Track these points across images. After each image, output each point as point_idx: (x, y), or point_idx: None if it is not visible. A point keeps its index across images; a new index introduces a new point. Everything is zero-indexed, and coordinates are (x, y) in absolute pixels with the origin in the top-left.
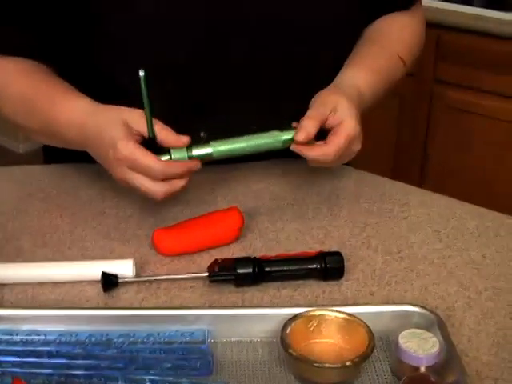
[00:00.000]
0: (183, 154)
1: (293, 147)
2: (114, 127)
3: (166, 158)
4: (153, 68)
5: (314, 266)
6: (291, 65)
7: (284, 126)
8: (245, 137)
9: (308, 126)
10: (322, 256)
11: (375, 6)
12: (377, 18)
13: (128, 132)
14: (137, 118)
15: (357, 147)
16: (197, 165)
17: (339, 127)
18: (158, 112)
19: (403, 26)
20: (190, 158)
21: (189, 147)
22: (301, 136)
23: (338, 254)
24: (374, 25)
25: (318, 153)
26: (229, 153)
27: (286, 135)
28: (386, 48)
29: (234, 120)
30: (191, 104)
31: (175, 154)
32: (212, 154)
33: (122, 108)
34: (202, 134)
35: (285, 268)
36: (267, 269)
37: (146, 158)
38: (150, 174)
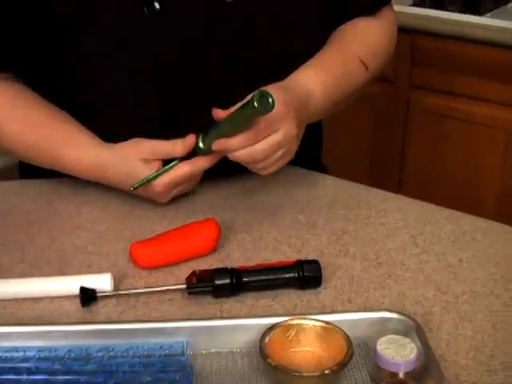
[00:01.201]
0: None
1: (214, 147)
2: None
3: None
4: (127, 78)
5: (292, 274)
6: (263, 72)
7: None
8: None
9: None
10: (299, 265)
11: (340, 10)
12: (343, 23)
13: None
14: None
15: (290, 135)
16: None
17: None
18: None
19: (368, 30)
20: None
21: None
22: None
23: (315, 263)
24: (338, 29)
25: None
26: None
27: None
28: (346, 51)
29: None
30: (170, 111)
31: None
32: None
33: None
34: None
35: (263, 278)
36: (245, 279)
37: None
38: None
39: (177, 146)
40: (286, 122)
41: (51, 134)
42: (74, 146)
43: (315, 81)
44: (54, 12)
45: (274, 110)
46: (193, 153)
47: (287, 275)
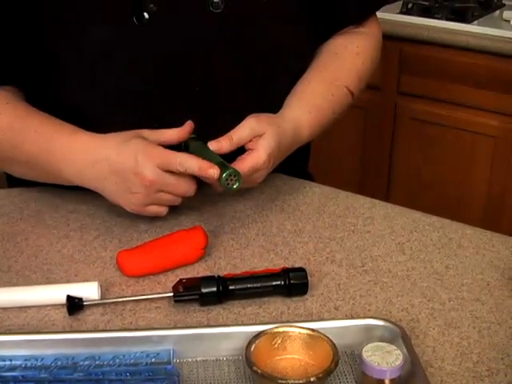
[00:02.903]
0: None
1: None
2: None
3: None
4: (113, 95)
5: (278, 282)
6: (250, 85)
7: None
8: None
9: (223, 143)
10: (285, 272)
11: (327, 20)
12: (330, 34)
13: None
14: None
15: (259, 179)
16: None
17: (250, 154)
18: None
19: (357, 53)
20: None
21: None
22: (211, 145)
23: (301, 270)
24: (328, 45)
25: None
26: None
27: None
28: (333, 81)
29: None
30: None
31: None
32: None
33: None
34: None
35: (249, 286)
36: (231, 287)
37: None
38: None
39: (172, 132)
40: (262, 171)
41: (40, 127)
42: (65, 134)
43: (305, 122)
44: (43, 23)
45: (260, 157)
46: None
47: (273, 283)
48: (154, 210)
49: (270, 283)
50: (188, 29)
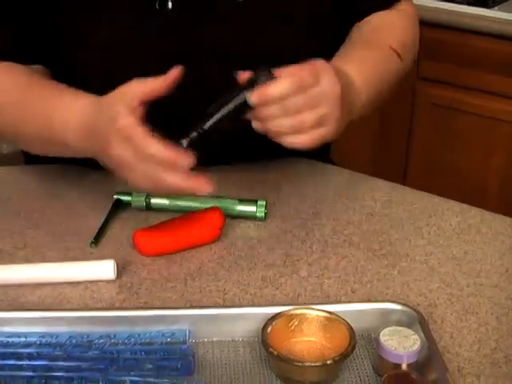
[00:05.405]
0: (142, 200)
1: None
2: (112, 105)
3: None
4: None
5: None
6: None
7: (243, 198)
8: (202, 198)
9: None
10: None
11: (354, 6)
12: (358, 20)
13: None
14: (134, 86)
15: (310, 116)
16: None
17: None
18: None
19: (393, 24)
20: (148, 206)
21: (148, 194)
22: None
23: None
24: (357, 25)
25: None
26: (184, 209)
27: (242, 205)
28: (375, 40)
29: None
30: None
31: (134, 199)
32: (167, 205)
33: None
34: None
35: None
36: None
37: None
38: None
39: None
40: (329, 77)
41: (39, 91)
42: (66, 98)
43: (356, 72)
44: (61, 23)
45: (318, 61)
46: None
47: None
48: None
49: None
50: (209, 23)
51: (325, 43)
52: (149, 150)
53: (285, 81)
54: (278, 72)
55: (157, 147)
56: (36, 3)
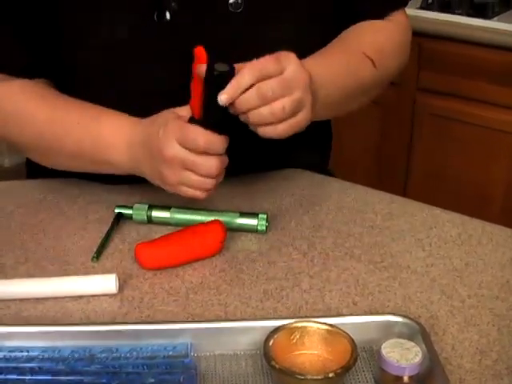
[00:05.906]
0: (143, 214)
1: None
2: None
3: None
4: (128, 95)
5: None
6: None
7: (244, 211)
8: (204, 211)
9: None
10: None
11: (346, 15)
12: (353, 23)
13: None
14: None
15: (278, 105)
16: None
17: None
18: None
19: (374, 30)
20: (149, 219)
21: (149, 207)
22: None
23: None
24: (349, 29)
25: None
26: (185, 222)
27: (243, 218)
28: (349, 45)
29: None
30: None
31: (135, 213)
32: (169, 219)
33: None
34: None
35: None
36: None
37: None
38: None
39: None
40: (294, 62)
41: (82, 114)
42: (110, 118)
43: (319, 68)
44: (62, 23)
45: (281, 51)
46: None
47: None
48: (185, 191)
49: None
50: (208, 28)
51: (325, 44)
52: (203, 142)
53: (248, 70)
54: (240, 66)
55: (209, 138)
56: (36, 3)
